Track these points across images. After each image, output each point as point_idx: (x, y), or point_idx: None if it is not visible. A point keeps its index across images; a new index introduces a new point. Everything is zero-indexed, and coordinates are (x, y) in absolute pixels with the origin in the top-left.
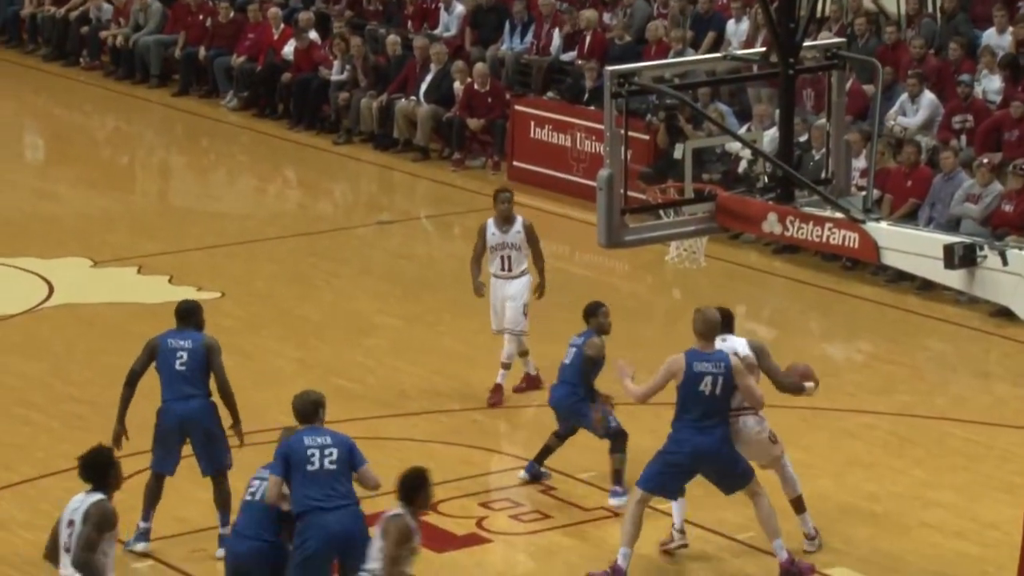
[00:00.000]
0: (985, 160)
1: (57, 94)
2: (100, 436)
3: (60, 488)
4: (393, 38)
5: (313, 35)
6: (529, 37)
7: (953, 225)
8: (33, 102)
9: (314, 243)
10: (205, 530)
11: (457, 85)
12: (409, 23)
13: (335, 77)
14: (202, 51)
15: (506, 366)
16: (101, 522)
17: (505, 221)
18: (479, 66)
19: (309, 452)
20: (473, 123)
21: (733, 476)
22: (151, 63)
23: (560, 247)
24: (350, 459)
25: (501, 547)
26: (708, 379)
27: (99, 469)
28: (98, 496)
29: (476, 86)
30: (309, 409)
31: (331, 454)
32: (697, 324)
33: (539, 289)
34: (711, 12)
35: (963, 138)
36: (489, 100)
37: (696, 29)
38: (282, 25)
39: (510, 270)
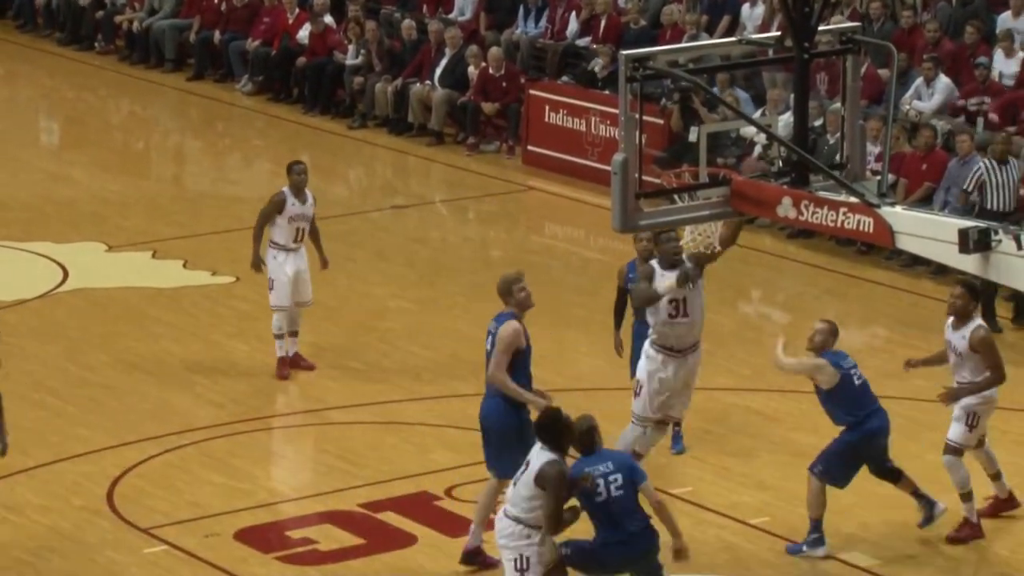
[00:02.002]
0: (1002, 135)
1: (72, 78)
2: (115, 420)
3: (75, 472)
4: (408, 22)
5: (328, 19)
6: (543, 21)
7: (968, 209)
8: (48, 86)
9: (329, 227)
10: (218, 515)
11: (472, 69)
12: (424, 7)
13: (350, 61)
14: (217, 35)
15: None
16: (558, 485)
17: (300, 192)
18: (494, 50)
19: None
20: (488, 107)
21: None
22: (166, 47)
23: (575, 231)
24: (632, 479)
25: None
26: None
27: (554, 431)
28: (550, 456)
29: (491, 70)
30: (587, 439)
31: (616, 480)
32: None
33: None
34: None
35: (979, 121)
36: (504, 84)
37: (711, 13)
38: (297, 9)
39: (301, 241)
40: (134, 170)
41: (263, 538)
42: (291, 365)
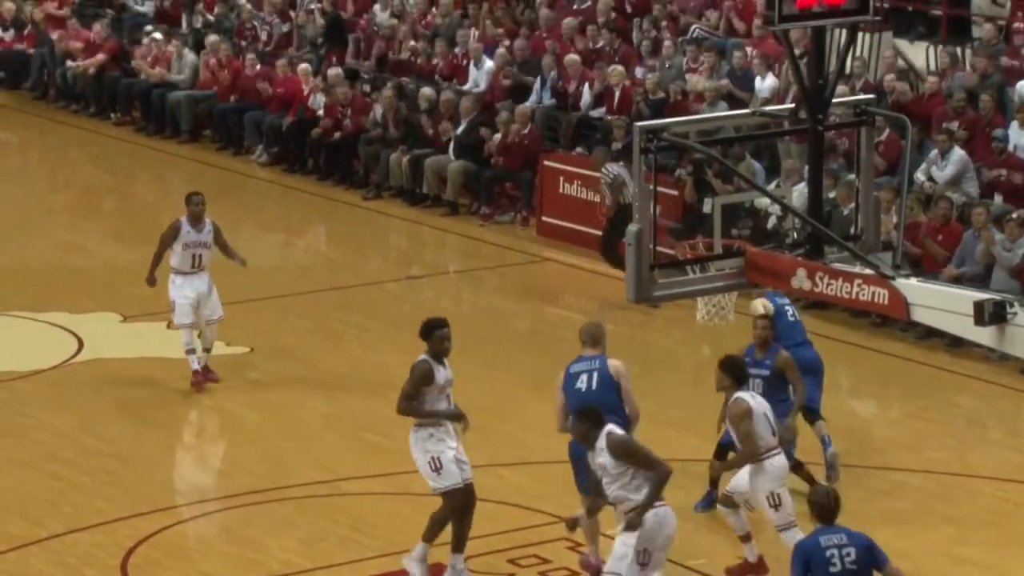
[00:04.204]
0: (1015, 215)
1: (87, 148)
2: (129, 491)
3: (88, 543)
4: (427, 91)
5: (343, 89)
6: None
7: (982, 278)
8: (63, 156)
9: (343, 298)
10: None
11: (497, 136)
12: (438, 78)
13: (366, 129)
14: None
15: (208, 351)
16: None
17: (197, 221)
18: (521, 108)
19: (828, 553)
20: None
21: None
22: (182, 119)
23: (589, 302)
24: (871, 559)
25: None
26: None
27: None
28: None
29: (515, 126)
30: (829, 507)
31: (849, 554)
32: None
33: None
34: (745, 68)
35: (998, 196)
36: (527, 144)
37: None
38: (312, 79)
39: (200, 267)
40: (149, 239)
41: None
42: (204, 378)
